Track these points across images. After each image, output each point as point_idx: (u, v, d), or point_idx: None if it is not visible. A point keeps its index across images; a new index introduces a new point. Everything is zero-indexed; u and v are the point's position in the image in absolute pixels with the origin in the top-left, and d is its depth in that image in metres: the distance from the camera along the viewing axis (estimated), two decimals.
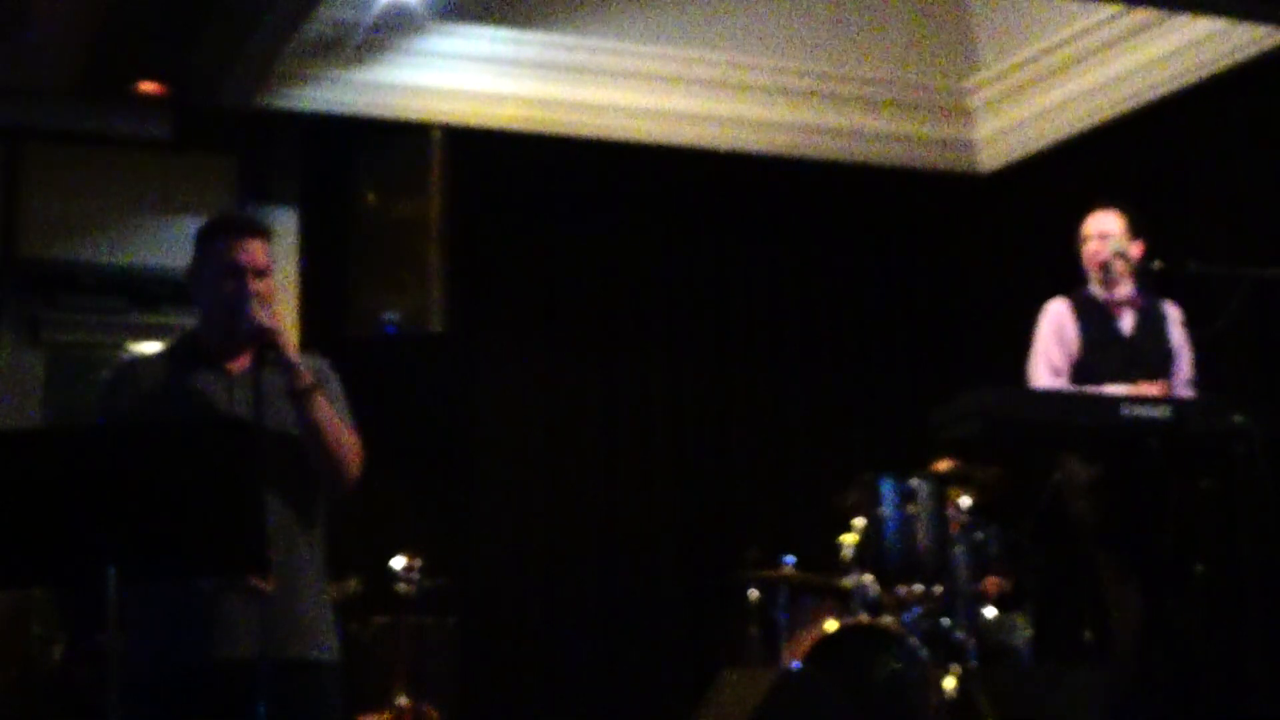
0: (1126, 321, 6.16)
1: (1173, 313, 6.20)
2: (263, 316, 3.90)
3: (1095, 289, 6.17)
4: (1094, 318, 6.13)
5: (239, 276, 3.96)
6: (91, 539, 3.40)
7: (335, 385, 4.11)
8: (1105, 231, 6.14)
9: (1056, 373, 6.04)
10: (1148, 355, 6.05)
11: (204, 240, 4.08)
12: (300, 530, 3.95)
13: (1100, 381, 5.87)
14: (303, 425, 3.89)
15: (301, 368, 3.91)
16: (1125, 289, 6.15)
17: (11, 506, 3.41)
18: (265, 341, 3.86)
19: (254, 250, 4.01)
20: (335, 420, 3.95)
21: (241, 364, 4.00)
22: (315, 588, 3.99)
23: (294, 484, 3.93)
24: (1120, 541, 5.70)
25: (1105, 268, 6.10)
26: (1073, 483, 5.90)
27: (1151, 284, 6.14)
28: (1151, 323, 6.16)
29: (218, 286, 3.98)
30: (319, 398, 3.91)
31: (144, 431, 3.71)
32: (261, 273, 4.01)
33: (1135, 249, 6.11)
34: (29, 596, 7.24)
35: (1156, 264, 5.94)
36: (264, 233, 4.11)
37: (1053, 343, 6.10)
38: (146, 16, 7.02)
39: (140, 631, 3.82)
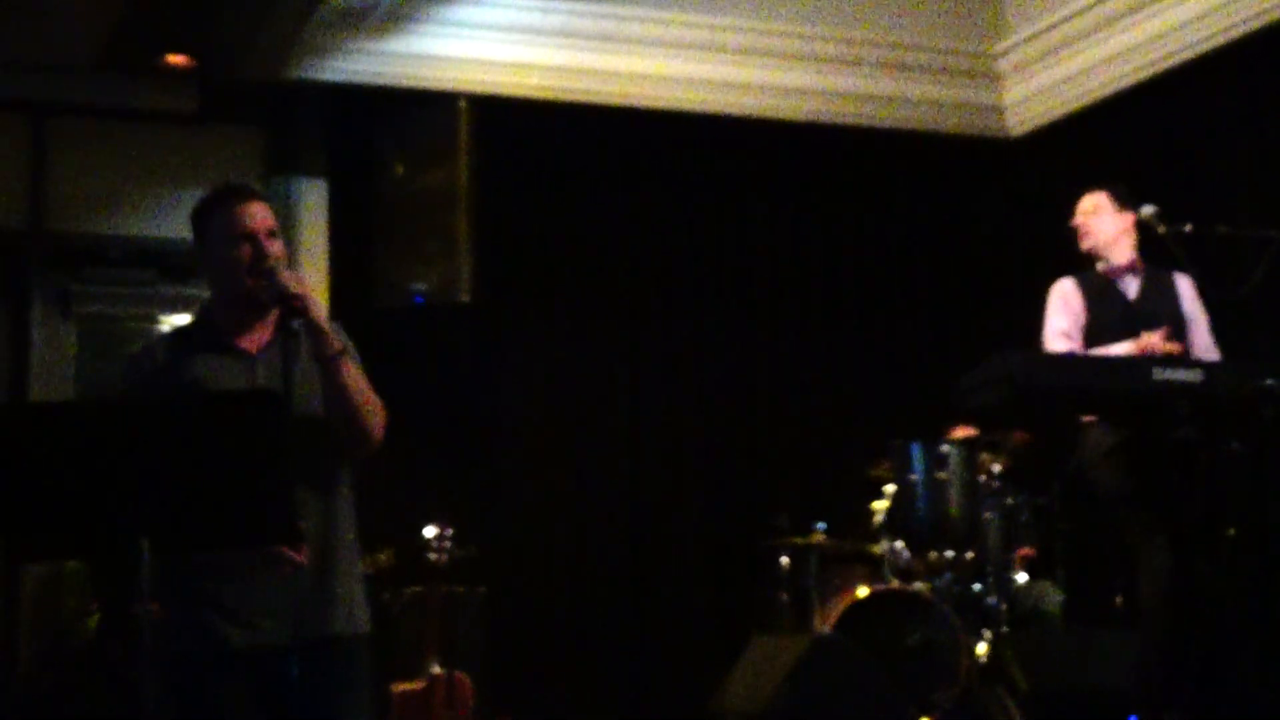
0: (1131, 287, 6.19)
1: (1183, 284, 6.19)
2: (291, 281, 3.79)
3: (1098, 264, 6.22)
4: (1098, 288, 6.18)
5: (253, 240, 3.86)
6: (123, 511, 3.41)
7: (353, 350, 3.98)
8: (1094, 206, 6.22)
9: (1066, 336, 6.07)
10: (1154, 317, 6.04)
11: (204, 216, 3.97)
12: (329, 504, 3.91)
13: (1107, 343, 5.89)
14: (331, 389, 3.81)
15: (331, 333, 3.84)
16: (1125, 256, 6.17)
17: (44, 478, 3.41)
18: (293, 307, 3.74)
19: (260, 213, 3.91)
20: (363, 383, 3.87)
21: (260, 340, 3.92)
22: (347, 561, 3.96)
23: (321, 458, 3.88)
24: (1150, 506, 5.69)
25: (1084, 235, 6.21)
26: (1094, 451, 5.89)
27: (1162, 255, 6.14)
28: (1157, 289, 6.18)
29: (232, 253, 3.86)
30: (347, 361, 3.84)
31: (175, 403, 3.69)
32: (273, 233, 3.91)
33: (1125, 220, 6.15)
34: (61, 569, 7.30)
35: (1187, 227, 5.93)
36: (264, 196, 4.01)
37: (1061, 314, 6.15)
38: None
39: (175, 609, 3.80)
